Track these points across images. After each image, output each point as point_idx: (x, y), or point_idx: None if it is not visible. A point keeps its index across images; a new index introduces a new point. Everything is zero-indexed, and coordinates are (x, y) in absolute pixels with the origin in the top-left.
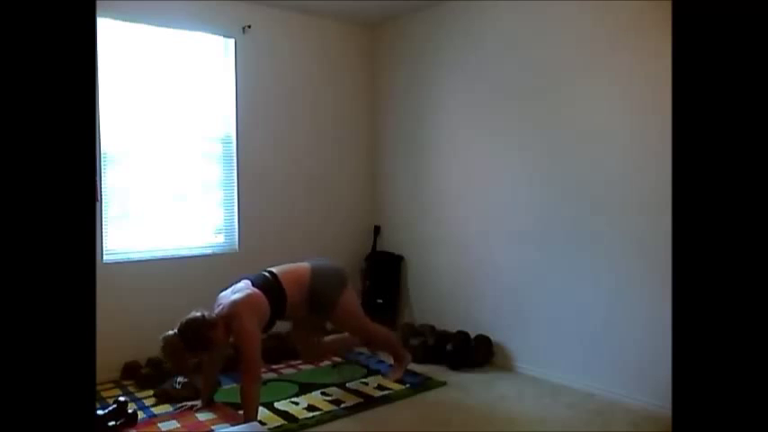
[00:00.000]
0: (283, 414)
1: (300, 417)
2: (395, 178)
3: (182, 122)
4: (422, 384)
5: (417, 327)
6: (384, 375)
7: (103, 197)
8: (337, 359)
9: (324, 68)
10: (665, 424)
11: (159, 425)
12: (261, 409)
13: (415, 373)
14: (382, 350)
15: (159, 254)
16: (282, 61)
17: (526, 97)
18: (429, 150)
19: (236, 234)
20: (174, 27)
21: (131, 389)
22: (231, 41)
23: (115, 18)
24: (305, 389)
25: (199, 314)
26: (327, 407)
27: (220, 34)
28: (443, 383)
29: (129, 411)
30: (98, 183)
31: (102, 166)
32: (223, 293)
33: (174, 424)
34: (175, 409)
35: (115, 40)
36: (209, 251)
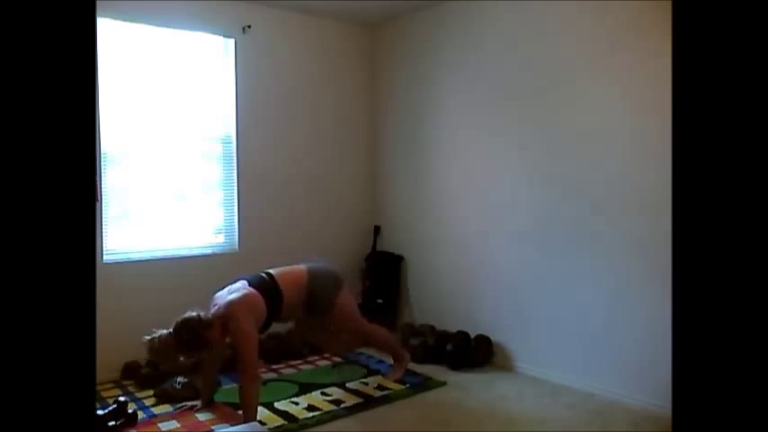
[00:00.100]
0: (283, 414)
1: (300, 417)
2: (395, 178)
3: (182, 122)
4: (422, 384)
5: (417, 327)
6: (384, 375)
7: (103, 197)
8: (337, 359)
9: (324, 68)
10: (665, 424)
11: (159, 425)
12: (261, 409)
13: (415, 373)
14: (381, 351)
15: (159, 254)
16: (282, 61)
17: (526, 97)
18: (429, 150)
19: (236, 234)
20: (173, 27)
21: (131, 389)
22: (231, 41)
23: (115, 18)
24: (305, 389)
25: (194, 314)
26: (327, 407)
27: (220, 34)
28: (443, 383)
29: (129, 411)
30: (98, 183)
31: (102, 166)
32: (219, 293)
33: (173, 424)
34: (175, 410)
35: (115, 40)
36: (209, 251)
